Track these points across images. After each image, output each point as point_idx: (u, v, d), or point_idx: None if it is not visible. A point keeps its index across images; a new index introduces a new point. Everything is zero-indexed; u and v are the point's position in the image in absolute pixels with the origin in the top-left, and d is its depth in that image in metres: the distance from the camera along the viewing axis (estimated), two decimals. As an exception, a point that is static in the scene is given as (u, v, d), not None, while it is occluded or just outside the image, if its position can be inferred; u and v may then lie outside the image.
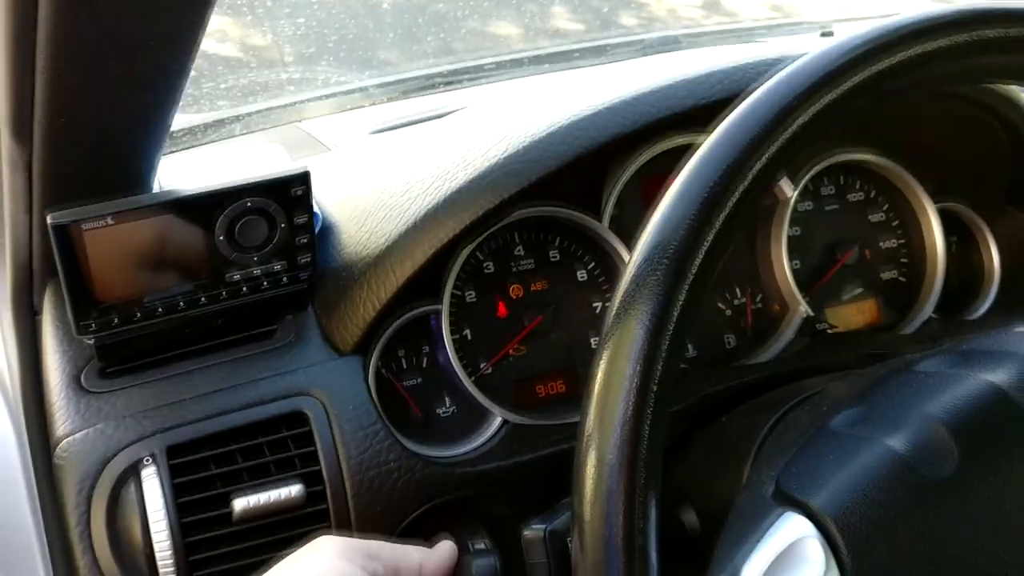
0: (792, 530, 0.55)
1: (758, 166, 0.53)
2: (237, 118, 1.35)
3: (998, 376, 0.59)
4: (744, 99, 0.56)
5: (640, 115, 0.72)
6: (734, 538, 0.57)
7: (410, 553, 0.65)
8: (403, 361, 0.84)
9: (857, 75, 0.56)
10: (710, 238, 0.52)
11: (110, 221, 0.69)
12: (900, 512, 0.55)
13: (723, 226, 0.52)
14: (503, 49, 1.60)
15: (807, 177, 0.95)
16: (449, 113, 1.24)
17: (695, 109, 0.73)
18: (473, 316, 0.86)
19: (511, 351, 0.87)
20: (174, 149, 1.20)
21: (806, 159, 0.94)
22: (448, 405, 0.85)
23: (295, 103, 1.39)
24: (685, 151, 0.86)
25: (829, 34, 1.23)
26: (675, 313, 0.51)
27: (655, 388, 0.50)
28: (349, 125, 1.29)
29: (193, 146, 1.26)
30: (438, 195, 0.74)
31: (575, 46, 1.66)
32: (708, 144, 0.54)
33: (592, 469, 0.50)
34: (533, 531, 0.62)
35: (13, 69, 0.59)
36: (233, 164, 0.93)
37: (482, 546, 0.74)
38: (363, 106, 1.39)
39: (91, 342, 0.74)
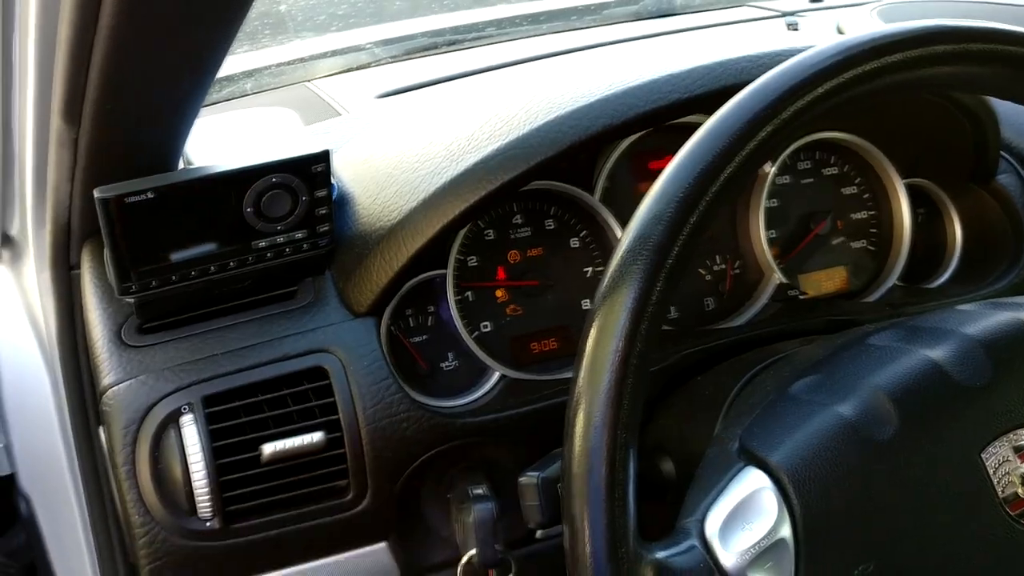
0: (751, 482, 0.64)
1: (730, 170, 0.61)
2: (249, 74, 1.41)
3: (936, 352, 0.68)
4: (720, 107, 0.63)
5: (628, 107, 0.80)
6: (702, 487, 0.66)
7: None
8: (411, 320, 0.92)
9: (820, 87, 0.63)
10: (685, 233, 0.60)
11: (150, 195, 0.76)
12: (845, 469, 0.63)
13: (697, 222, 0.60)
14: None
15: (785, 153, 1.03)
16: (451, 78, 1.31)
17: (677, 103, 0.80)
18: (474, 279, 0.94)
19: (508, 311, 0.96)
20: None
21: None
22: (451, 360, 0.93)
23: (303, 59, 1.45)
24: (668, 132, 0.94)
25: (795, 27, 1.30)
26: (653, 298, 0.59)
27: (635, 361, 0.59)
28: (356, 86, 1.35)
29: (207, 104, 1.32)
30: (446, 175, 0.81)
31: (572, 4, 1.71)
32: (686, 149, 0.62)
33: (580, 429, 0.58)
34: (528, 478, 0.71)
35: (71, 62, 0.66)
36: (255, 131, 1.01)
37: (481, 492, 0.83)
38: (368, 65, 1.45)
39: (131, 301, 0.81)
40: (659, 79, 0.81)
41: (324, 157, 0.81)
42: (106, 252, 0.82)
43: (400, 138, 0.93)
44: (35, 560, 1.16)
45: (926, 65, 0.65)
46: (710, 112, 0.84)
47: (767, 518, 0.62)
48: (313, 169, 0.81)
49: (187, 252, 0.80)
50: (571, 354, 0.95)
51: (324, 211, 0.83)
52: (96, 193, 0.75)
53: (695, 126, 0.94)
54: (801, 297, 1.01)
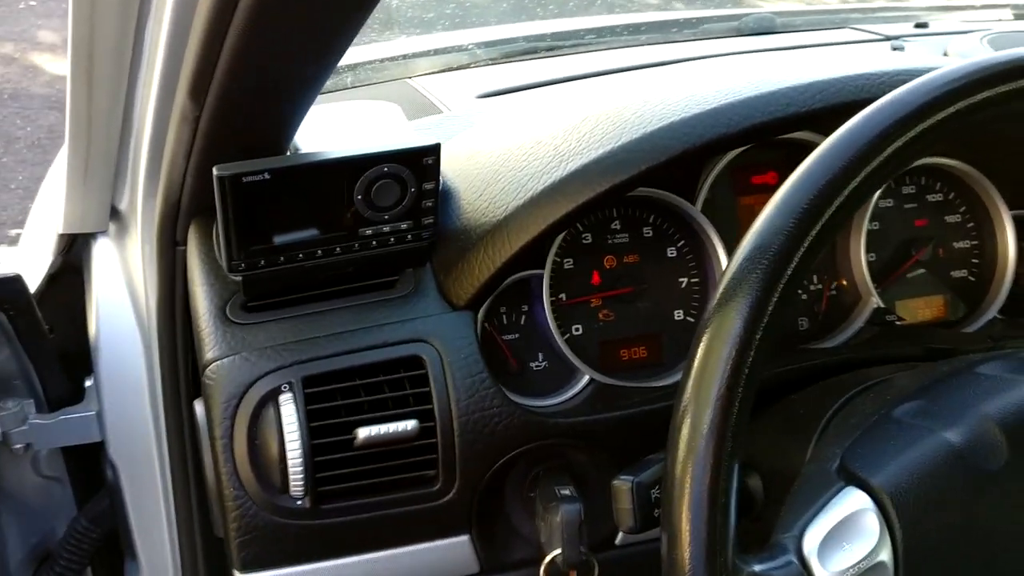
0: (852, 503, 0.63)
1: (854, 184, 0.60)
2: (351, 68, 1.44)
3: (1051, 385, 0.66)
4: (846, 121, 0.62)
5: (744, 118, 0.79)
6: (799, 504, 0.65)
7: None
8: (503, 317, 0.93)
9: (952, 106, 0.62)
10: (805, 245, 0.59)
11: (266, 176, 0.78)
12: (951, 496, 0.62)
13: (817, 236, 0.60)
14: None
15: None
16: (552, 83, 1.32)
17: (794, 116, 0.80)
18: (569, 282, 0.94)
19: (600, 316, 0.96)
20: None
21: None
22: (540, 360, 0.94)
23: (405, 56, 1.47)
24: (772, 148, 0.93)
25: (900, 48, 1.29)
26: (769, 308, 0.58)
27: (747, 371, 0.58)
28: (456, 85, 1.36)
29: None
30: (556, 175, 0.82)
31: (673, 16, 1.71)
32: (811, 161, 0.61)
33: (687, 434, 0.58)
34: (622, 482, 0.71)
35: (204, 42, 0.68)
36: (361, 122, 1.02)
37: (568, 492, 0.83)
38: (467, 66, 1.46)
39: (238, 279, 0.83)
40: (776, 91, 0.80)
41: (435, 150, 0.82)
42: (217, 229, 0.84)
43: (506, 136, 0.94)
44: (117, 527, 1.19)
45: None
46: (824, 128, 0.84)
47: (867, 540, 0.61)
48: (424, 161, 0.82)
49: (295, 235, 0.82)
50: (660, 363, 0.96)
51: (430, 203, 0.85)
52: (215, 171, 0.77)
53: (802, 143, 0.95)
54: (898, 323, 0.99)
